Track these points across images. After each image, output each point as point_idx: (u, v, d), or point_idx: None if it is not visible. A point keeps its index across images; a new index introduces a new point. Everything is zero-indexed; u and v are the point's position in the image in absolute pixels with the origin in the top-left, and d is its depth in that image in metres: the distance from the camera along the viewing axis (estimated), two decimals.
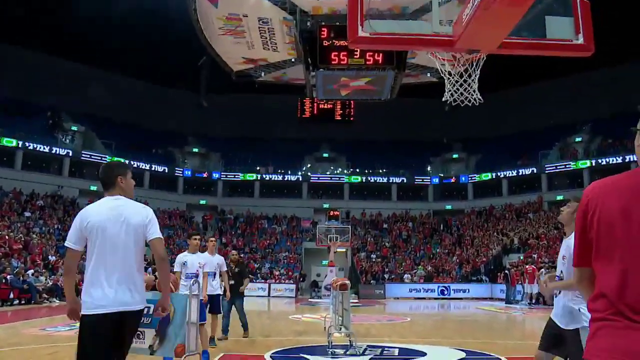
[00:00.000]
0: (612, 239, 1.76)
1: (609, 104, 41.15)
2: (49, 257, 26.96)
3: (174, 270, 7.76)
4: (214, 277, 8.74)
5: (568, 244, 4.12)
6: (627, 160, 36.10)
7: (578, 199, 4.30)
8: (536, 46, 3.67)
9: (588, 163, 38.67)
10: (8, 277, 19.10)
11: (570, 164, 39.91)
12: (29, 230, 29.75)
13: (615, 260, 1.74)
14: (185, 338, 5.90)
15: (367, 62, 14.64)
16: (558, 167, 40.72)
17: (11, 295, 18.89)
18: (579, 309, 3.95)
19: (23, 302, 18.88)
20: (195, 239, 8.27)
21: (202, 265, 8.03)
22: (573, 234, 3.56)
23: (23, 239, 27.34)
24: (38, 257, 26.09)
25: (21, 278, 20.17)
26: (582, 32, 3.57)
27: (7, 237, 26.26)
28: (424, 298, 30.35)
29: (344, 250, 36.66)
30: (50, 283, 22.20)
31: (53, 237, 30.74)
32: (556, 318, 4.24)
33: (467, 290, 31.21)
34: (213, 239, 9.49)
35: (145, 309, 6.21)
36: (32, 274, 21.78)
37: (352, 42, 3.53)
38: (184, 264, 7.87)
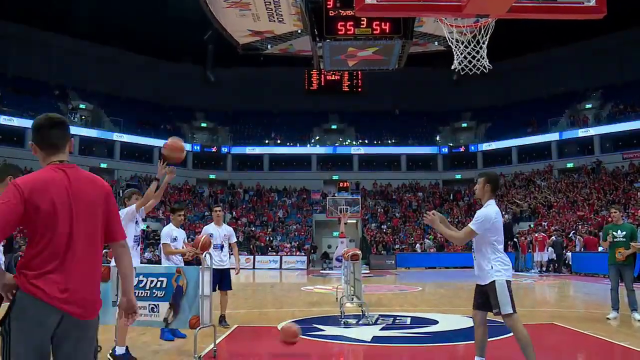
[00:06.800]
0: None
1: (620, 69, 40.51)
2: None
3: (162, 242, 7.41)
4: (222, 249, 8.17)
5: (482, 212, 5.22)
6: (639, 127, 35.69)
7: (486, 174, 5.25)
8: (547, 9, 3.58)
9: (599, 130, 38.20)
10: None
11: (580, 131, 39.45)
12: None
13: None
14: (199, 310, 5.96)
15: (374, 32, 14.38)
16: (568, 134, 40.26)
17: None
18: (491, 267, 4.85)
19: None
20: (180, 215, 7.65)
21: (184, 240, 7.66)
22: (487, 203, 5.23)
23: None
24: None
25: None
26: None
27: None
28: (434, 267, 30.51)
29: (355, 221, 36.74)
30: None
31: None
32: (477, 279, 5.03)
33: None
34: (218, 208, 8.65)
35: (158, 283, 6.29)
36: None
37: (359, 10, 3.46)
38: (174, 239, 7.39)
